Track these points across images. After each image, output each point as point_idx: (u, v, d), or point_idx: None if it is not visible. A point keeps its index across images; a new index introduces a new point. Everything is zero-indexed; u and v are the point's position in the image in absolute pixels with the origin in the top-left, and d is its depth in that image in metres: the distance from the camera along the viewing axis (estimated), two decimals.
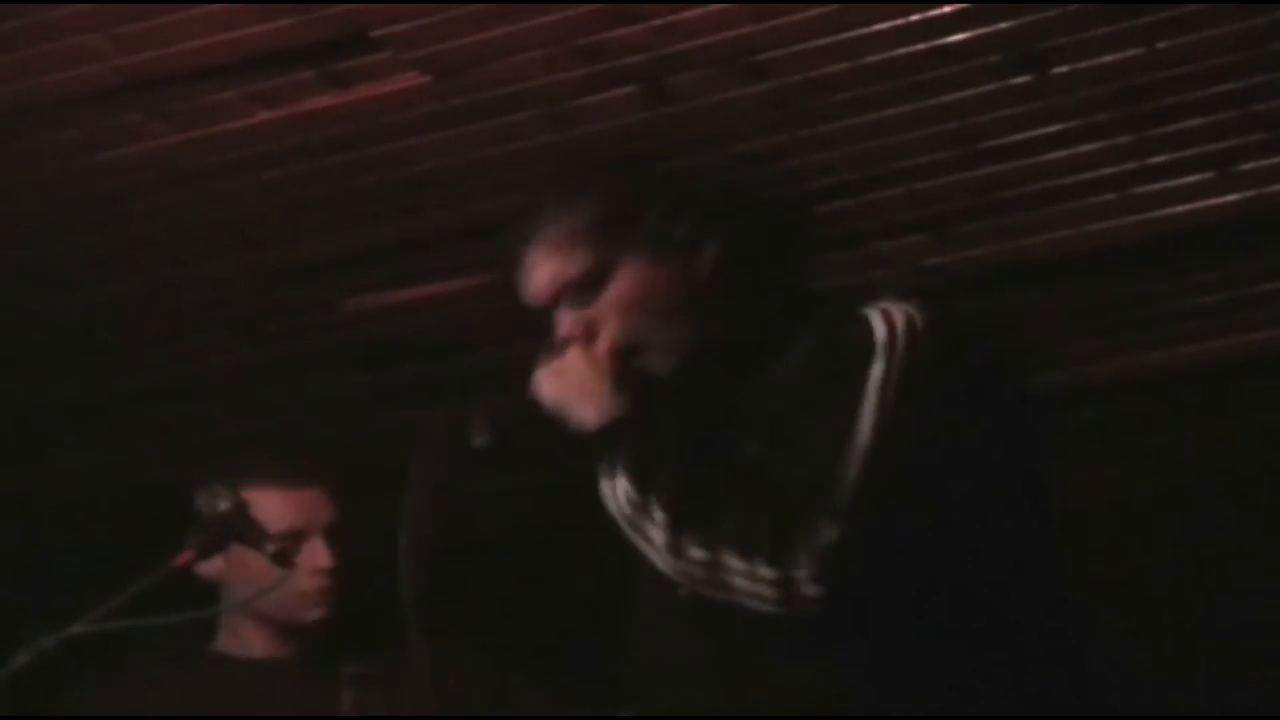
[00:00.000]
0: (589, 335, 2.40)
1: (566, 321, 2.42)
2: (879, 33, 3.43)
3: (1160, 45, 3.49)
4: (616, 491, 2.29)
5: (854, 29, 3.41)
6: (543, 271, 2.42)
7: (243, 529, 2.91)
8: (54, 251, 4.08)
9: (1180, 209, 3.95)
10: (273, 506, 3.14)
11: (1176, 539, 5.00)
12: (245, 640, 3.30)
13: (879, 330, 2.19)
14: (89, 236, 4.03)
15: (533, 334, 2.43)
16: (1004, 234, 4.07)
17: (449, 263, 4.19)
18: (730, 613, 2.24)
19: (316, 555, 3.20)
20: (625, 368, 2.37)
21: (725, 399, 2.40)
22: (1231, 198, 3.92)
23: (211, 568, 3.13)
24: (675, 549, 2.23)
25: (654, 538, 2.26)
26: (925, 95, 3.62)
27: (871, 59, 3.51)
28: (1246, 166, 3.85)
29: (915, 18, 3.39)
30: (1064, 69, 3.56)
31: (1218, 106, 3.66)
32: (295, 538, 3.16)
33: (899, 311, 2.22)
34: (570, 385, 2.37)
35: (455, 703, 2.98)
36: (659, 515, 2.24)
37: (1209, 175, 3.86)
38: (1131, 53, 3.51)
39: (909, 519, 2.15)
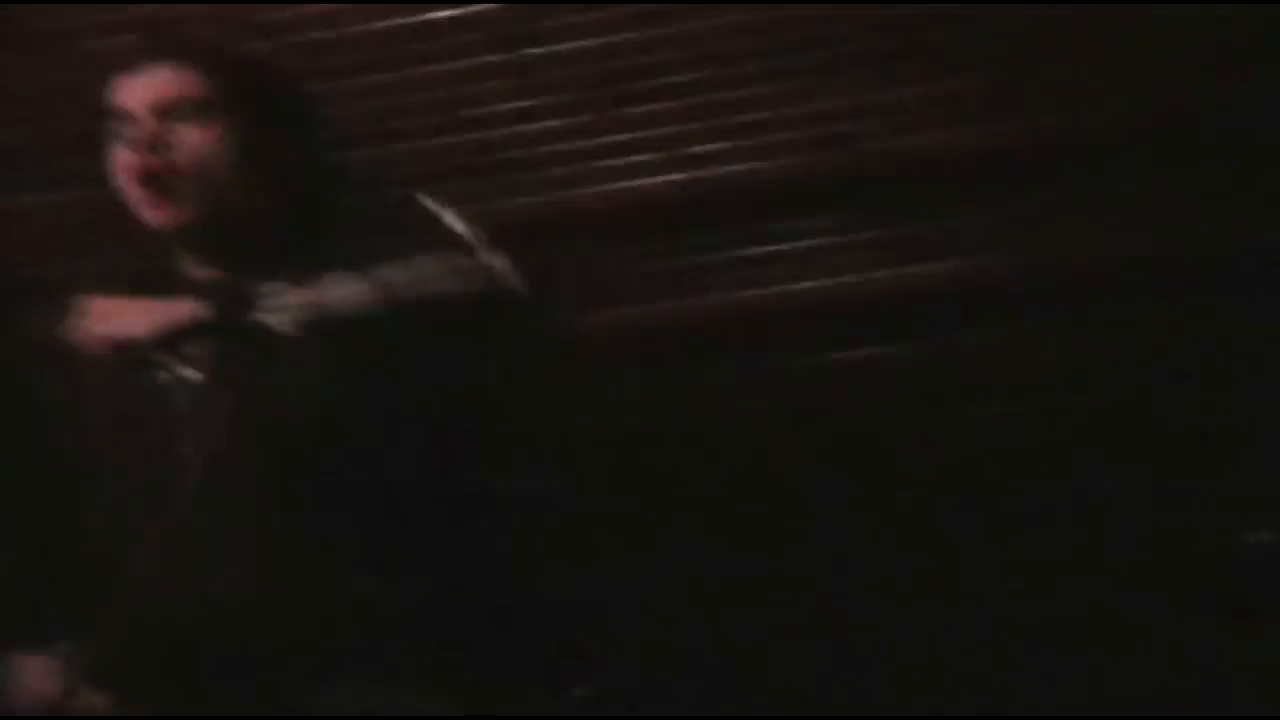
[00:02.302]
0: (165, 148, 2.75)
1: (148, 130, 2.74)
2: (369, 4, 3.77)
3: (627, 36, 3.95)
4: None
5: None
6: (164, 82, 2.77)
7: None
8: None
9: (634, 184, 4.38)
10: None
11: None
12: None
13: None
14: None
15: None
16: (479, 198, 4.39)
17: None
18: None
19: None
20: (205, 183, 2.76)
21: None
22: (678, 176, 4.36)
23: None
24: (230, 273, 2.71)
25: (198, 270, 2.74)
26: (411, 64, 3.96)
27: (359, 28, 3.82)
28: (693, 150, 4.28)
29: None
30: (540, 50, 3.96)
31: (671, 94, 4.18)
32: None
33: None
34: (170, 174, 2.75)
35: None
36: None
37: (660, 155, 4.28)
38: (601, 40, 3.95)
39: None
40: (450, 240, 2.81)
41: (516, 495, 3.13)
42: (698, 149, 4.34)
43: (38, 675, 2.86)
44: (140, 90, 2.79)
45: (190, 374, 2.68)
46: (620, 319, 4.63)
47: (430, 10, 3.97)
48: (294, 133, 2.86)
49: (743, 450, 4.79)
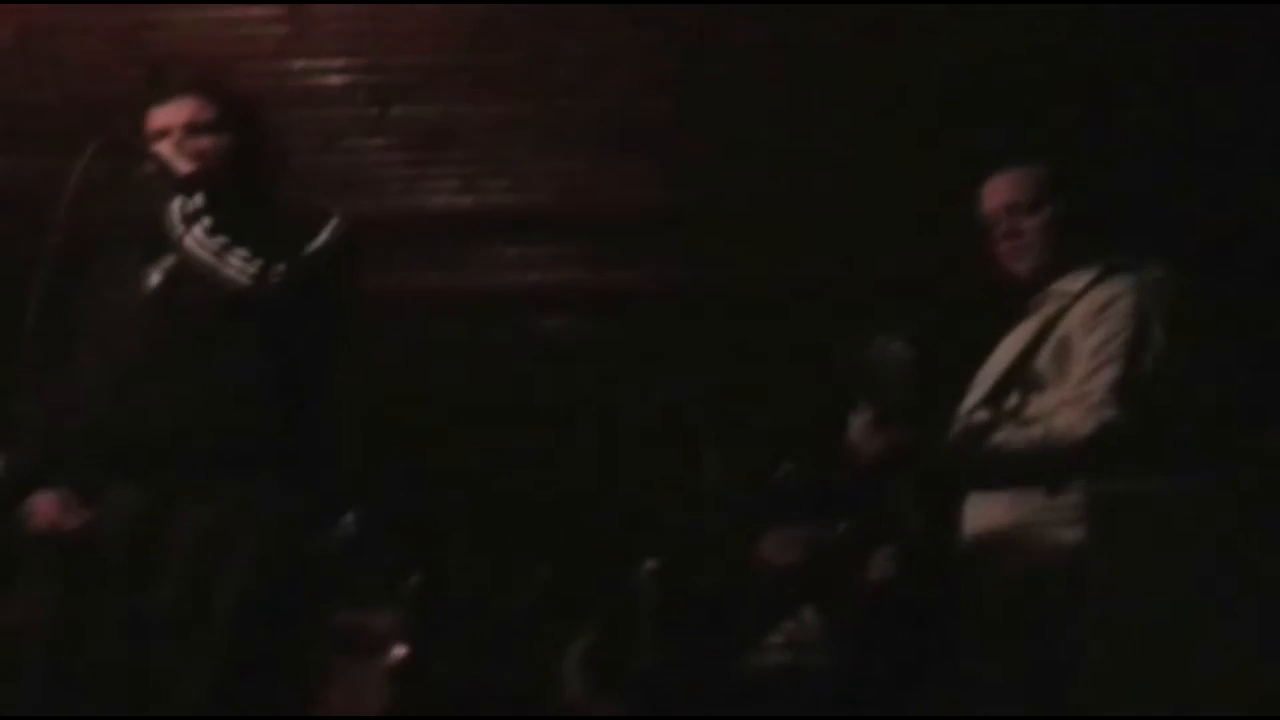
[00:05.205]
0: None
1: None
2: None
3: (447, 109, 6.28)
4: (185, 205, 3.52)
5: None
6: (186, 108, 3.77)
7: None
8: None
9: (445, 200, 6.86)
10: None
11: None
12: None
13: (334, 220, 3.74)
14: None
15: None
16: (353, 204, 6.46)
17: None
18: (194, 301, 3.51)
19: None
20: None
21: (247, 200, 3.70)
22: (468, 199, 6.86)
23: None
24: (210, 234, 3.47)
25: (197, 230, 3.48)
26: (312, 108, 6.21)
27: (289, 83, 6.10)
28: (478, 183, 6.77)
29: None
30: (396, 111, 6.25)
31: (469, 151, 6.55)
32: None
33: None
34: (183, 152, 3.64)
35: None
36: (208, 219, 3.51)
37: (459, 185, 6.81)
38: (434, 108, 6.24)
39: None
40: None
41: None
42: (481, 183, 6.78)
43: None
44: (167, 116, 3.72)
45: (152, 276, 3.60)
46: (430, 285, 7.27)
47: (325, 77, 6.17)
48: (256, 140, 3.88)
49: (492, 367, 7.53)
